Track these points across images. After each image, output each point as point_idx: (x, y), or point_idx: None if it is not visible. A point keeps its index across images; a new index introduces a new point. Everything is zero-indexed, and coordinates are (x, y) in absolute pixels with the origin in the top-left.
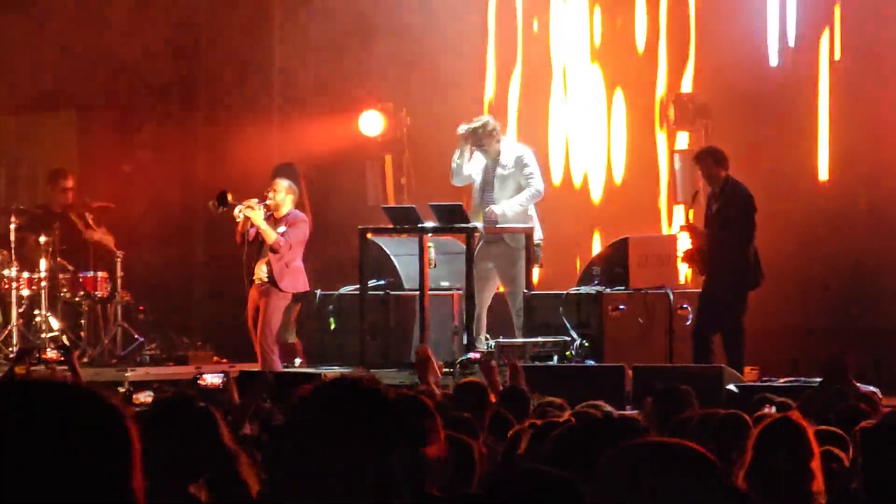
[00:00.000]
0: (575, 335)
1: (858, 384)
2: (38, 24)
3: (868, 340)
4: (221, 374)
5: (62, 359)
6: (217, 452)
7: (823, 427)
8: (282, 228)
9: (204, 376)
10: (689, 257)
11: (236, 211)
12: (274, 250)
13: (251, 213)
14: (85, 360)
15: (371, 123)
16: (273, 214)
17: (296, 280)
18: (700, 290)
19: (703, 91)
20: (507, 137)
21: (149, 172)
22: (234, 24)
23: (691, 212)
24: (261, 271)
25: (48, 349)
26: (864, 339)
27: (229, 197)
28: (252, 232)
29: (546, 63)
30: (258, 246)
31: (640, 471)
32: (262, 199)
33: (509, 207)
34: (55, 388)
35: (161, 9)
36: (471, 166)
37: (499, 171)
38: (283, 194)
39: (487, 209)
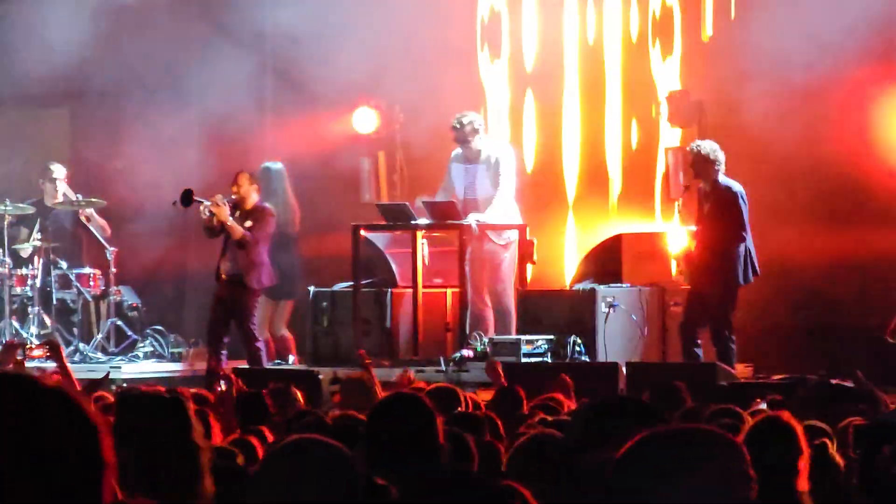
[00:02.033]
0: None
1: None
2: (30, 18)
3: (863, 338)
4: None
5: (48, 355)
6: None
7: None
8: (248, 223)
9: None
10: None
11: (202, 208)
12: (241, 246)
13: (217, 209)
14: (77, 357)
15: (364, 120)
16: (240, 207)
17: (262, 275)
18: (690, 286)
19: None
20: (491, 136)
21: (142, 169)
22: (226, 21)
23: (678, 202)
24: (225, 267)
25: (33, 346)
26: (860, 338)
27: (194, 195)
28: (219, 226)
29: (539, 57)
30: (225, 240)
31: (663, 458)
32: (227, 194)
33: (486, 217)
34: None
35: (154, 6)
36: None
37: (479, 170)
38: (247, 186)
39: (466, 222)
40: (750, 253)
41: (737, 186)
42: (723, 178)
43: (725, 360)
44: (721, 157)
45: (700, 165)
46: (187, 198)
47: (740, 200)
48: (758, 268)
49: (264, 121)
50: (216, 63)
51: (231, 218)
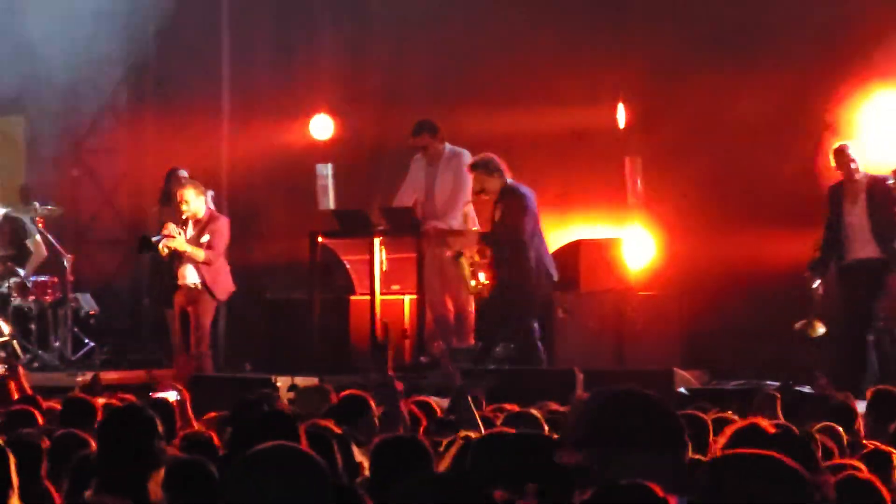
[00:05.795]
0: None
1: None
2: None
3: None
4: (175, 392)
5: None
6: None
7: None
8: (206, 237)
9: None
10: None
11: (160, 247)
12: (207, 264)
13: (174, 243)
14: (35, 364)
15: (321, 127)
16: (193, 221)
17: (227, 284)
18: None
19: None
20: (448, 143)
21: (98, 176)
22: (184, 27)
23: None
24: (189, 275)
25: None
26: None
27: (152, 238)
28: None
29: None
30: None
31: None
32: (179, 215)
33: (443, 223)
34: None
35: (112, 13)
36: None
37: (440, 172)
38: (194, 199)
39: (423, 228)
40: (542, 257)
41: (522, 190)
42: (510, 186)
43: (531, 363)
44: (501, 165)
45: (481, 182)
46: (146, 244)
47: (525, 203)
48: (553, 271)
49: (220, 128)
50: (171, 67)
51: (187, 243)
